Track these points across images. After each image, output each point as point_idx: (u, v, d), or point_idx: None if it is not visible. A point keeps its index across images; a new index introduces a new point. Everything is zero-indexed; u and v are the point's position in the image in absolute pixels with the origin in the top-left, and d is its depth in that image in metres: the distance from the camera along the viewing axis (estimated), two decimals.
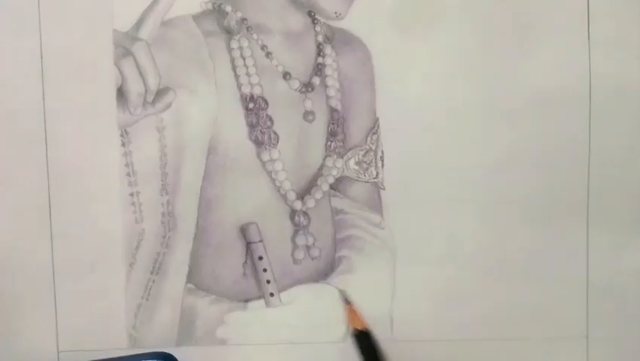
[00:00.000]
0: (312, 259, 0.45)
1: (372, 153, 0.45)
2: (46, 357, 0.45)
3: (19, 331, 0.44)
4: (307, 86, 0.45)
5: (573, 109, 0.45)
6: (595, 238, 0.46)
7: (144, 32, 0.44)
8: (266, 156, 0.45)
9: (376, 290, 0.45)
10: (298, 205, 0.45)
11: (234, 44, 0.44)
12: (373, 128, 0.45)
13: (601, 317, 0.46)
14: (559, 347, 0.46)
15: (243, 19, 0.45)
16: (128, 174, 0.44)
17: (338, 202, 0.46)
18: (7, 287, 0.44)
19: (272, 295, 0.45)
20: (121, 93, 0.44)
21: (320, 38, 0.45)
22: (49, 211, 0.44)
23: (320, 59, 0.45)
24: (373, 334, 0.37)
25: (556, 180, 0.46)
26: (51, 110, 0.44)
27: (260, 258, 0.45)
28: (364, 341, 0.37)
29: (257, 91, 0.45)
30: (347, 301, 0.39)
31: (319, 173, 0.45)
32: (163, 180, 0.44)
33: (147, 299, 0.45)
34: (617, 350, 0.46)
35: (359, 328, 0.37)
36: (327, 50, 0.45)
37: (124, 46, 0.43)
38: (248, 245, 0.45)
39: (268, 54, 0.45)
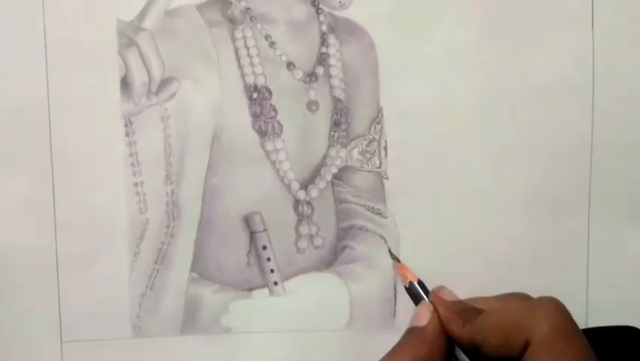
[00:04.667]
0: (316, 248, 0.46)
1: (375, 143, 0.45)
2: (49, 347, 0.45)
3: (22, 321, 0.44)
4: (311, 76, 0.45)
5: (576, 99, 0.46)
6: (596, 228, 0.46)
7: (148, 22, 0.44)
8: (269, 146, 0.45)
9: (379, 279, 0.46)
10: (302, 195, 0.45)
11: (238, 34, 0.44)
12: (377, 118, 0.45)
13: (601, 307, 0.46)
14: None
15: (247, 9, 0.45)
16: (132, 164, 0.44)
17: (341, 192, 0.46)
18: (11, 277, 0.44)
19: (275, 283, 0.45)
20: (125, 83, 0.44)
21: (324, 28, 0.45)
22: (53, 201, 0.44)
23: (324, 49, 0.45)
24: (426, 286, 0.38)
25: (558, 169, 0.46)
26: (55, 99, 0.44)
27: (264, 247, 0.45)
28: (417, 291, 0.39)
29: (260, 81, 0.45)
30: (397, 260, 0.40)
31: (323, 163, 0.45)
32: (167, 170, 0.45)
33: (151, 289, 0.45)
34: None
35: (413, 280, 0.38)
36: (331, 39, 0.45)
37: (128, 35, 0.43)
38: (252, 234, 0.45)
39: (272, 44, 0.45)
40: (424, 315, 0.35)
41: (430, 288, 0.43)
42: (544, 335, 0.31)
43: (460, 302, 0.35)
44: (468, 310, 0.34)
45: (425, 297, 0.38)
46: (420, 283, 0.40)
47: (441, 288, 0.37)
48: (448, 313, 0.34)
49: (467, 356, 0.34)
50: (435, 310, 0.35)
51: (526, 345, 0.31)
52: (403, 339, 0.35)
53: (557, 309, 0.32)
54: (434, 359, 0.33)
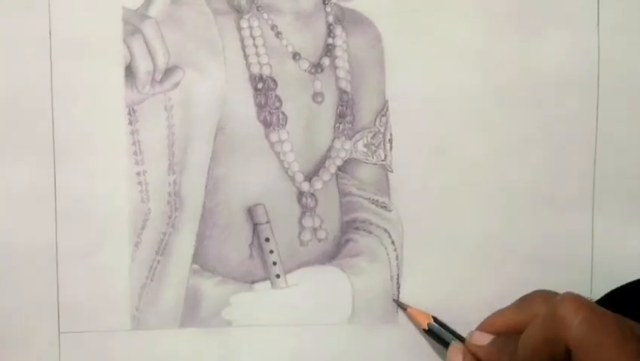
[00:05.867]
0: (319, 241, 0.45)
1: (380, 136, 0.45)
2: (46, 338, 0.44)
3: (20, 311, 0.44)
4: (317, 67, 0.45)
5: (580, 95, 0.46)
6: (600, 224, 0.46)
7: (154, 10, 0.43)
8: (274, 137, 0.45)
9: (382, 273, 0.45)
10: (306, 187, 0.45)
11: (244, 24, 0.44)
12: (382, 111, 0.45)
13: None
14: None
15: None
16: (135, 153, 0.44)
17: (345, 184, 0.45)
18: (10, 266, 0.43)
19: (278, 276, 0.45)
20: (129, 71, 0.43)
21: (330, 19, 0.45)
22: (54, 190, 0.44)
23: (330, 40, 0.45)
24: (440, 320, 0.43)
25: (562, 165, 0.46)
26: (59, 87, 0.43)
27: (267, 239, 0.45)
28: (438, 329, 0.42)
29: (266, 71, 0.44)
30: (404, 307, 0.42)
31: (327, 155, 0.45)
32: (170, 160, 0.44)
33: (151, 280, 0.44)
34: None
35: (428, 322, 0.40)
36: (338, 30, 0.45)
37: (133, 23, 0.43)
38: (255, 226, 0.45)
39: (278, 34, 0.45)
40: (457, 359, 0.36)
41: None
42: (580, 335, 0.31)
43: (495, 340, 0.36)
44: (506, 343, 0.35)
45: (450, 336, 0.39)
46: (435, 320, 0.41)
47: (472, 334, 0.37)
48: (491, 357, 0.35)
49: None
50: (475, 357, 0.35)
51: (567, 350, 0.31)
52: None
53: (579, 305, 0.32)
54: None
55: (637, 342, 0.31)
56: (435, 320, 0.43)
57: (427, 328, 0.43)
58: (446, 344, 0.42)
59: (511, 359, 0.35)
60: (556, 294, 0.36)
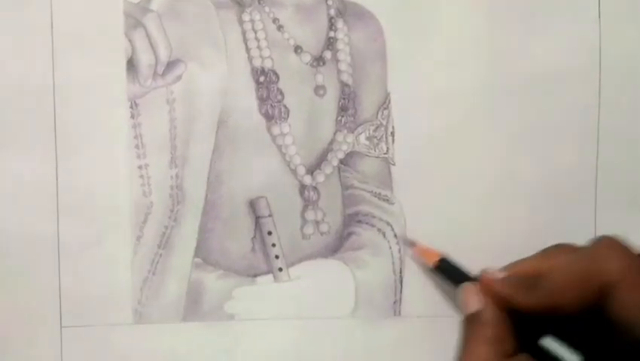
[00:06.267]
0: (321, 234, 0.45)
1: (383, 129, 0.45)
2: (48, 332, 0.44)
3: (22, 305, 0.44)
4: (318, 60, 0.45)
5: (582, 88, 0.46)
6: (602, 216, 0.46)
7: (156, 3, 0.43)
8: (276, 130, 0.45)
9: (385, 266, 0.45)
10: (308, 180, 0.45)
11: (246, 17, 0.44)
12: (384, 104, 0.45)
13: None
14: None
15: None
16: (137, 146, 0.44)
17: (348, 177, 0.45)
18: (11, 260, 0.43)
19: (280, 270, 0.45)
20: (131, 64, 0.43)
21: (332, 12, 0.45)
22: (56, 183, 0.44)
23: (332, 33, 0.45)
24: (450, 258, 0.41)
25: (565, 158, 0.46)
26: (60, 80, 0.43)
27: (269, 233, 0.45)
28: (446, 267, 0.40)
29: (268, 64, 0.44)
30: (412, 244, 0.40)
31: (329, 148, 0.45)
32: (172, 153, 0.44)
33: (153, 274, 0.44)
34: None
35: (436, 259, 0.38)
36: (339, 23, 0.45)
37: (135, 17, 0.43)
38: (257, 220, 0.45)
39: (279, 27, 0.45)
40: (473, 299, 0.34)
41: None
42: (621, 272, 0.30)
43: (514, 275, 0.35)
44: (526, 279, 0.34)
45: (460, 275, 0.37)
46: (444, 259, 0.40)
47: (486, 270, 0.36)
48: (508, 289, 0.34)
49: (536, 326, 0.33)
50: (491, 291, 0.34)
51: (601, 291, 0.30)
52: (466, 330, 0.34)
53: (618, 245, 0.32)
54: (502, 335, 0.33)
55: None
56: (444, 259, 0.41)
57: (435, 266, 0.41)
58: (455, 283, 0.40)
59: (528, 294, 0.33)
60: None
